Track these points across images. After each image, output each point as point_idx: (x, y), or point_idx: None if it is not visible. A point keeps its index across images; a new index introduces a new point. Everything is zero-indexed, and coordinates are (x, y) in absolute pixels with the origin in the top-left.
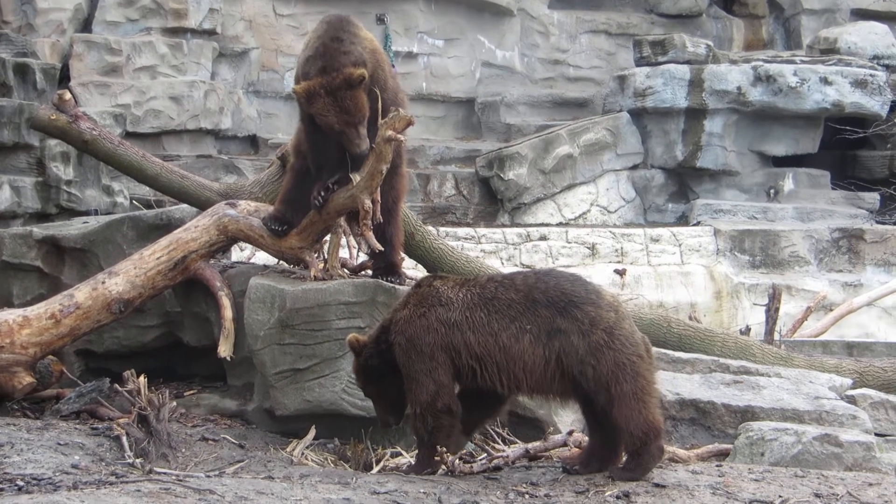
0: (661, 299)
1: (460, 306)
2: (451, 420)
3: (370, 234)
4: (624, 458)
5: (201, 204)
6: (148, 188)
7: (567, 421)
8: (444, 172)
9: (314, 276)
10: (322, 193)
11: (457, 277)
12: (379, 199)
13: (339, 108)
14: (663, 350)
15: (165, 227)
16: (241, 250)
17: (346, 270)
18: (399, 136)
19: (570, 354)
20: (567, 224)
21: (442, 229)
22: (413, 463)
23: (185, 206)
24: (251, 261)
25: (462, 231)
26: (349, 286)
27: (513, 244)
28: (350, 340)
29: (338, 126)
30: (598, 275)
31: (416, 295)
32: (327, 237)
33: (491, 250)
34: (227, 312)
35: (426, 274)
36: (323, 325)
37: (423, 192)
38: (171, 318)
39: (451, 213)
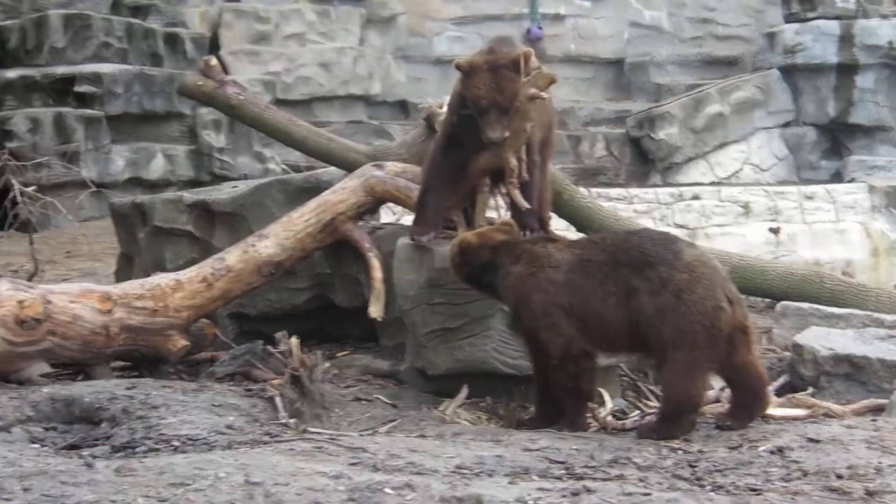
0: (816, 257)
1: (565, 268)
2: (591, 363)
3: (517, 193)
4: (655, 420)
5: (348, 166)
6: (298, 154)
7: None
8: (594, 133)
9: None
10: None
11: (568, 239)
12: (524, 157)
13: (495, 85)
14: (816, 306)
15: (314, 189)
16: (394, 214)
17: None
18: (542, 93)
19: (642, 313)
20: (720, 183)
21: (594, 190)
22: (564, 420)
23: (332, 168)
24: (399, 222)
25: (614, 192)
26: None
27: (665, 204)
28: (463, 238)
29: (485, 102)
30: (753, 233)
31: (528, 253)
32: None
33: (643, 210)
34: (377, 273)
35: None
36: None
37: (574, 153)
38: (321, 279)
39: (602, 174)
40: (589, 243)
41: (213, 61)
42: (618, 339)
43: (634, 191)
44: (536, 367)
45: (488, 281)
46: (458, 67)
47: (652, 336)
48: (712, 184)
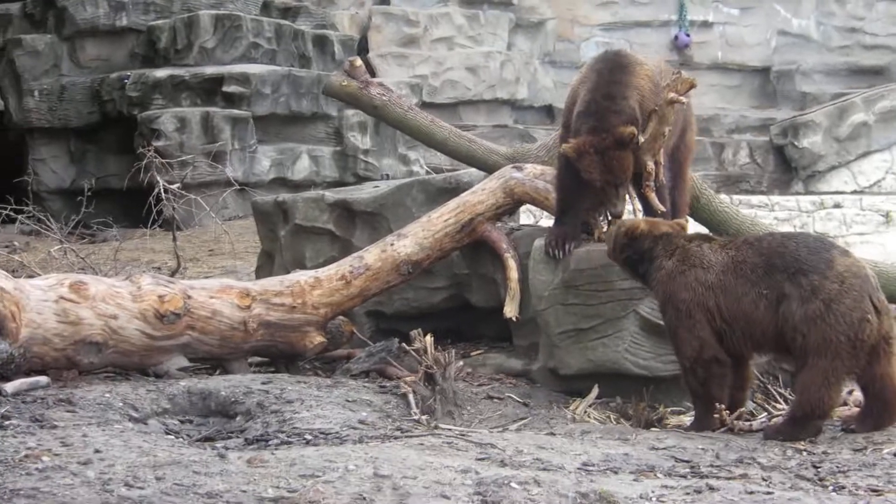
0: None
1: (717, 269)
2: (721, 369)
3: (653, 196)
4: (783, 421)
5: (488, 168)
6: (442, 156)
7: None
8: (738, 141)
9: (598, 237)
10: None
11: (723, 239)
12: (662, 160)
13: (605, 167)
14: None
15: (453, 190)
16: (533, 216)
17: None
18: (682, 98)
19: (789, 320)
20: (861, 192)
21: (735, 197)
22: (693, 420)
23: (472, 170)
24: (538, 223)
25: (755, 198)
26: None
27: (806, 212)
28: (634, 222)
29: (599, 184)
30: (893, 242)
31: (682, 250)
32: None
33: (784, 217)
34: (513, 274)
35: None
36: (606, 286)
37: (717, 160)
38: (458, 279)
39: (744, 181)
40: (745, 245)
41: (358, 62)
42: (763, 342)
43: (776, 198)
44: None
45: (643, 270)
46: (566, 155)
47: (797, 341)
48: (854, 192)
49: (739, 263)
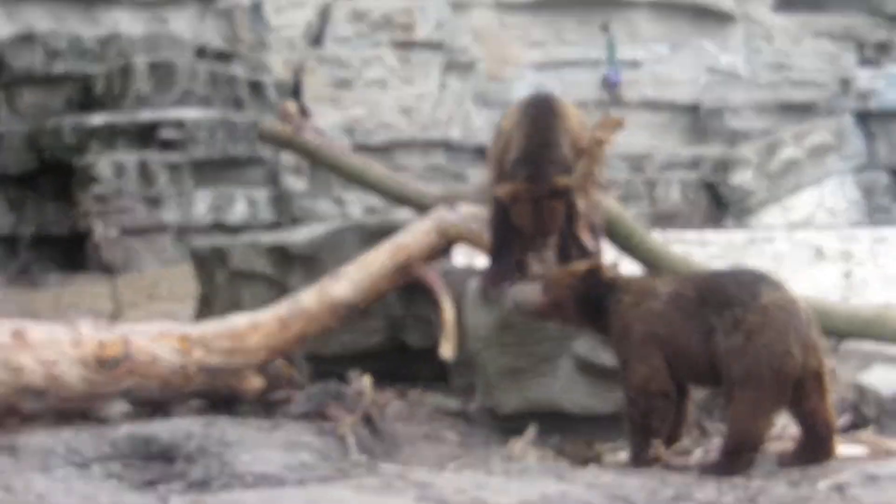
0: (889, 299)
1: (663, 300)
2: (665, 403)
3: (587, 234)
4: (716, 456)
5: (422, 208)
6: (376, 196)
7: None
8: (669, 178)
9: (532, 278)
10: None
11: (673, 275)
12: (594, 199)
13: (538, 216)
14: (880, 346)
15: (389, 232)
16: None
17: None
18: (608, 139)
19: (716, 352)
20: (793, 227)
21: (668, 233)
22: (630, 456)
23: (407, 211)
24: (472, 263)
25: (688, 234)
26: None
27: (738, 247)
28: (592, 264)
29: (529, 231)
30: (824, 276)
31: (637, 285)
32: None
33: (717, 254)
34: (449, 314)
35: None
36: (541, 325)
37: (649, 197)
38: (394, 321)
39: (677, 218)
40: (685, 280)
41: (292, 106)
42: (700, 374)
43: (708, 234)
44: None
45: (593, 309)
46: (499, 196)
47: (723, 374)
48: (785, 227)
49: (679, 297)
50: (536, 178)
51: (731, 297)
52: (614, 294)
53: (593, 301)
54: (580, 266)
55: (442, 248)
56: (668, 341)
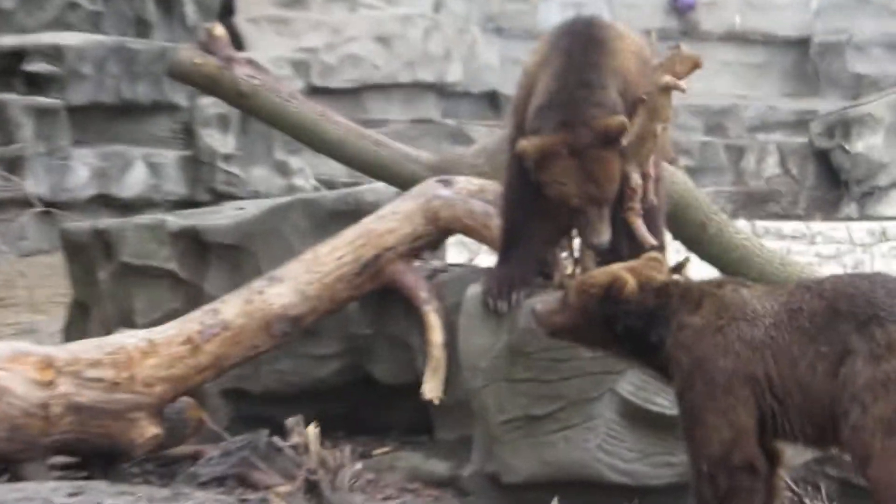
0: None
1: (766, 322)
2: (752, 482)
3: (639, 223)
4: None
5: (403, 182)
6: (338, 165)
7: None
8: (764, 143)
9: (559, 283)
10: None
11: (766, 284)
12: (651, 172)
13: (585, 174)
14: None
15: (352, 213)
16: (468, 251)
17: None
18: (681, 83)
19: (848, 386)
20: None
21: (760, 224)
22: None
23: (380, 184)
24: (473, 262)
25: (788, 226)
26: None
27: (861, 245)
28: (615, 275)
29: (577, 200)
30: None
31: (714, 298)
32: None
33: (830, 254)
34: (437, 335)
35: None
36: (570, 354)
37: (734, 170)
38: (356, 343)
39: (773, 201)
40: (800, 288)
41: (219, 31)
42: (814, 425)
43: (818, 226)
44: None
45: (643, 333)
46: (522, 158)
47: (850, 417)
48: None
49: (794, 312)
50: (574, 123)
51: (880, 310)
52: (677, 311)
53: (644, 321)
54: (630, 268)
55: (430, 238)
56: (774, 384)
